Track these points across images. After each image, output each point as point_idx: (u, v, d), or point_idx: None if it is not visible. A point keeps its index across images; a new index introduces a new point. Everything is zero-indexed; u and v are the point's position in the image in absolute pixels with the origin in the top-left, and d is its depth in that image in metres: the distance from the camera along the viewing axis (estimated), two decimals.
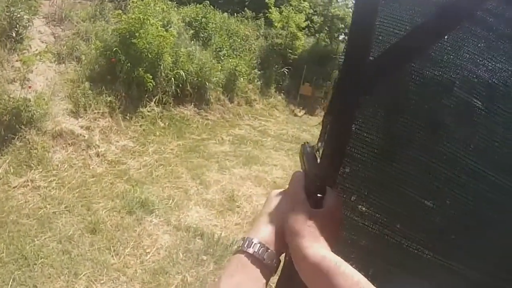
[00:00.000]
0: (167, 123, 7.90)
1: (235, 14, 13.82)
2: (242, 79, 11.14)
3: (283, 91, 13.83)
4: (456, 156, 0.73)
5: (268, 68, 13.21)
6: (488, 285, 0.75)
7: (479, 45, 0.72)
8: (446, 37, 0.72)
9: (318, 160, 0.80)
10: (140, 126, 7.30)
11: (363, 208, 0.80)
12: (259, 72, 12.51)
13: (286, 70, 13.82)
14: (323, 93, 15.00)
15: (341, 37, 17.82)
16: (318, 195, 0.73)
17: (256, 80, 12.25)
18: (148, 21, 7.71)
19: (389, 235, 0.79)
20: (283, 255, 0.80)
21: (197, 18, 11.14)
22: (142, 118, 7.50)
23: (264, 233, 0.73)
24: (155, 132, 7.36)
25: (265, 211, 0.78)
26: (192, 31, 10.49)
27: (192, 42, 10.03)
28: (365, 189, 0.80)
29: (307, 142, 0.86)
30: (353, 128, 0.77)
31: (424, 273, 0.73)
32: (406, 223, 0.79)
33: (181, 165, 6.48)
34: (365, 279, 0.59)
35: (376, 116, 0.77)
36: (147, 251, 4.01)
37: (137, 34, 7.46)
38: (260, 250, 0.69)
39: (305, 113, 14.27)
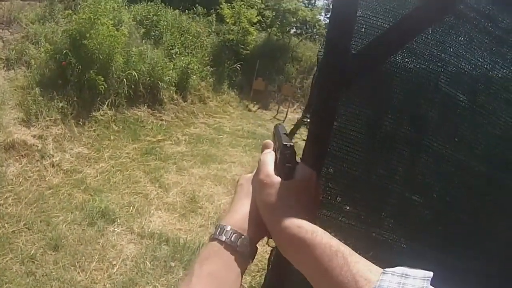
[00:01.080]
0: (121, 126, 7.74)
1: (186, 11, 13.64)
2: (194, 76, 11.07)
3: (236, 87, 13.89)
4: (441, 150, 0.73)
5: (221, 65, 13.21)
6: (479, 273, 0.75)
7: (461, 39, 0.72)
8: (430, 30, 0.71)
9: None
10: (94, 131, 7.11)
11: (349, 208, 0.79)
12: (211, 69, 12.48)
13: (239, 65, 13.87)
14: (276, 87, 15.24)
15: (292, 31, 18.07)
16: (288, 165, 0.70)
17: (208, 77, 12.23)
18: (99, 21, 7.50)
19: (377, 233, 0.78)
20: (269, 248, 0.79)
21: (149, 16, 10.94)
22: (96, 122, 7.30)
23: (237, 219, 0.70)
24: (109, 137, 7.21)
25: (237, 196, 0.75)
26: (143, 30, 10.32)
27: (144, 41, 9.88)
28: (351, 189, 0.79)
29: (279, 124, 0.85)
30: (335, 126, 0.75)
31: (414, 267, 0.68)
32: (393, 220, 0.78)
33: (139, 169, 6.39)
34: (345, 246, 0.57)
35: (359, 112, 0.75)
36: (113, 263, 3.94)
37: (87, 34, 7.24)
38: (233, 237, 0.66)
39: (259, 108, 14.42)
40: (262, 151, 0.79)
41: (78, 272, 3.71)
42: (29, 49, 7.21)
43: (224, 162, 7.54)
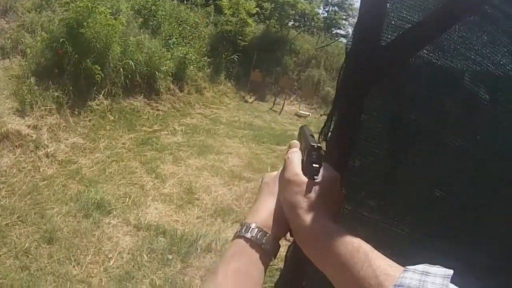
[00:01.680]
0: (117, 116, 7.67)
1: (185, 1, 13.53)
2: (192, 67, 11.03)
3: (233, 78, 13.85)
4: (464, 147, 0.73)
5: (218, 56, 13.16)
6: (495, 268, 0.74)
7: (484, 38, 0.72)
8: (456, 27, 0.71)
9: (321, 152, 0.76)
10: (90, 121, 7.03)
11: (372, 202, 0.78)
12: (208, 59, 12.43)
13: (236, 57, 13.81)
14: (273, 79, 15.22)
15: (290, 23, 18.00)
16: (314, 165, 0.70)
17: (205, 68, 12.18)
18: (97, 9, 7.38)
19: (399, 227, 0.77)
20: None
21: (147, 5, 10.83)
22: (91, 112, 7.22)
23: (262, 217, 0.71)
24: (105, 127, 7.13)
25: (261, 194, 0.77)
26: (141, 19, 10.21)
27: (141, 30, 9.77)
28: (376, 183, 0.78)
29: (304, 125, 0.86)
30: (363, 118, 0.74)
31: (432, 261, 0.64)
32: (416, 214, 0.78)
33: (135, 160, 6.34)
34: (366, 244, 0.58)
35: (386, 106, 0.75)
36: (109, 256, 3.89)
37: (85, 23, 7.13)
38: (259, 235, 0.67)
39: (255, 99, 14.41)
40: (288, 151, 0.80)
41: (74, 266, 3.64)
42: (25, 38, 7.13)
43: (221, 153, 7.53)
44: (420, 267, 0.52)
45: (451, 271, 0.50)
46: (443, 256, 0.71)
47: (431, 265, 0.52)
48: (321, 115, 13.96)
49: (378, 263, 0.54)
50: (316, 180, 0.69)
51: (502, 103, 0.73)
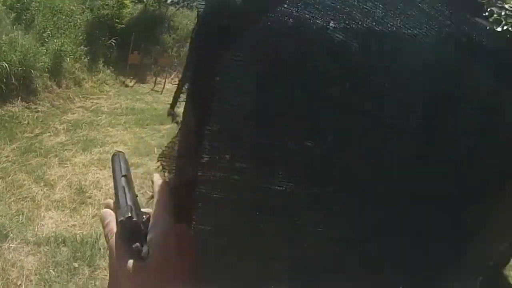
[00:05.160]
0: None
1: None
2: (68, 59, 10.85)
3: (111, 64, 13.72)
4: (334, 96, 0.64)
5: (95, 43, 12.98)
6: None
7: None
8: None
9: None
10: None
11: (242, 164, 0.67)
12: (85, 48, 12.24)
13: (114, 41, 13.72)
14: (152, 59, 15.41)
15: (169, 1, 18.02)
16: (135, 245, 0.53)
17: (83, 58, 11.99)
18: None
19: (272, 184, 0.67)
20: None
21: None
22: None
23: None
24: None
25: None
26: (14, 15, 9.80)
27: (14, 27, 9.44)
28: (240, 143, 0.67)
29: (119, 151, 0.72)
30: (217, 81, 0.62)
31: (313, 218, 0.57)
32: (287, 167, 0.67)
33: (21, 171, 6.16)
34: None
35: (246, 69, 0.61)
36: (18, 284, 3.80)
37: None
38: None
39: (136, 82, 14.35)
40: (102, 220, 0.65)
41: None
42: None
43: (106, 144, 7.48)
44: None
45: None
46: (324, 201, 0.76)
47: None
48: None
49: None
50: (143, 259, 0.53)
51: (374, 52, 0.66)
